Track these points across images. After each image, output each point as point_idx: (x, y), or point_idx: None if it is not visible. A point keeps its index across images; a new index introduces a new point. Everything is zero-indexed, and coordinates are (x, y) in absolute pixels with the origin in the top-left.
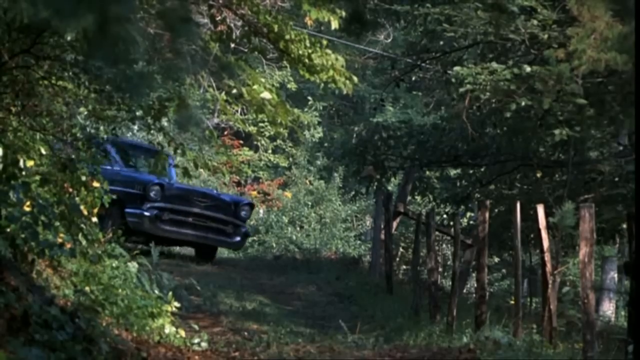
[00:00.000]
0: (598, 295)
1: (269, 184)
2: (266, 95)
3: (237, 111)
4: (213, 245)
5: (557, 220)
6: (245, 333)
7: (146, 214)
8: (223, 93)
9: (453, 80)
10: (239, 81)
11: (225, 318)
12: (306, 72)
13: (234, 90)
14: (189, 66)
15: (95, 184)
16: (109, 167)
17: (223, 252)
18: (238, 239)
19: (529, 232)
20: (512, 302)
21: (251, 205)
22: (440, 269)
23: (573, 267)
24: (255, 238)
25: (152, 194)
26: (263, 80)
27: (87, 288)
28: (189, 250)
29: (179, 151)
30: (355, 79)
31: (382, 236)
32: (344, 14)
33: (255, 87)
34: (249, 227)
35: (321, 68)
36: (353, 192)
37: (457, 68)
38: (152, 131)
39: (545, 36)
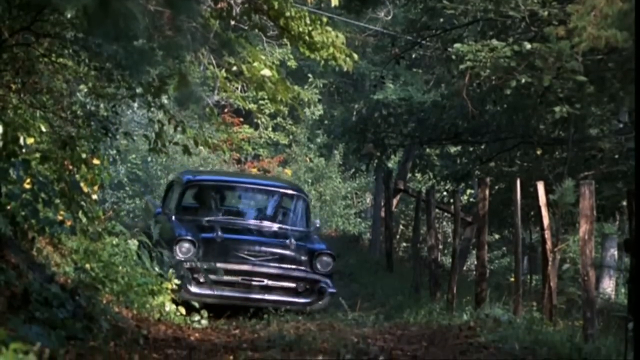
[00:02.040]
0: (598, 273)
1: (269, 162)
2: (266, 72)
3: (237, 88)
4: (276, 307)
5: (557, 197)
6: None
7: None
8: (223, 70)
9: (453, 57)
10: (239, 58)
11: None
12: (306, 49)
13: (234, 68)
14: (189, 43)
15: (96, 162)
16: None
17: None
18: (310, 299)
19: (529, 209)
20: (512, 279)
21: (331, 256)
22: (440, 247)
23: (573, 244)
24: None
25: (179, 252)
26: (263, 57)
27: (87, 265)
28: None
29: (179, 129)
30: (355, 56)
31: (382, 214)
32: None
33: (255, 64)
34: (329, 283)
35: (321, 45)
36: (353, 170)
37: (457, 45)
38: (152, 109)
39: (546, 13)
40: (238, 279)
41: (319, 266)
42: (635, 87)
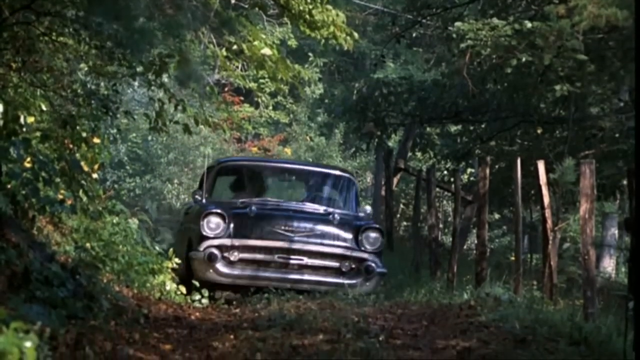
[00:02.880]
0: (598, 252)
1: (269, 140)
2: (266, 51)
3: (237, 67)
4: (317, 290)
5: (557, 176)
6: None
7: (198, 255)
8: (223, 49)
9: (454, 36)
10: (239, 37)
11: None
12: (307, 28)
13: (235, 47)
14: (189, 22)
15: (96, 140)
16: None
17: None
18: (356, 280)
19: (529, 188)
20: (513, 258)
21: (379, 231)
22: (440, 226)
23: (573, 223)
24: None
25: (206, 227)
26: (263, 36)
27: (87, 245)
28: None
29: (179, 107)
30: (355, 35)
31: (383, 193)
32: None
33: (255, 43)
34: (378, 261)
35: (322, 24)
36: (353, 149)
37: (457, 24)
38: (152, 87)
39: None
40: (274, 257)
41: (365, 243)
42: (635, 66)
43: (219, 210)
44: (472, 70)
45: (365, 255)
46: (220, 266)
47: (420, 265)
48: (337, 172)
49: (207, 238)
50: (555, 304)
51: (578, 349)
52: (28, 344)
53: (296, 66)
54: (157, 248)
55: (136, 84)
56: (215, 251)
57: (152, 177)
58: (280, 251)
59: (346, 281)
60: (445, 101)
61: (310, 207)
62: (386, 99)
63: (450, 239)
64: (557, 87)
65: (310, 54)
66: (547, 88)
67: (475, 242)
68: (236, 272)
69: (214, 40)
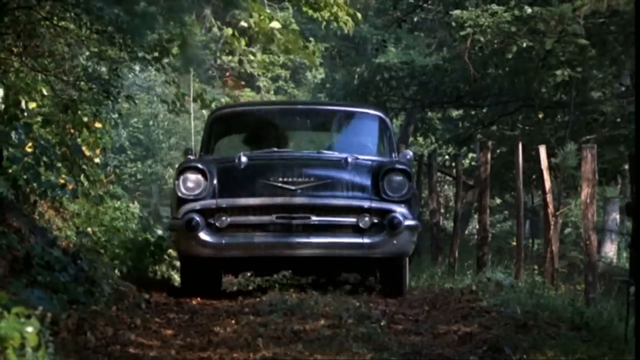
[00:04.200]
0: (600, 237)
1: None
2: (275, 24)
3: (246, 46)
4: (330, 255)
5: (559, 161)
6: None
7: (177, 223)
8: (229, 29)
9: (453, 24)
10: (246, 14)
11: None
12: (309, 8)
13: (242, 23)
14: (191, 4)
15: (97, 125)
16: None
17: None
18: (379, 238)
19: (530, 173)
20: (514, 243)
21: (404, 173)
22: (442, 211)
23: (575, 208)
24: None
25: (183, 188)
26: (269, 11)
27: (89, 229)
28: None
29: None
30: (359, 15)
31: None
32: None
33: (262, 17)
34: (406, 212)
35: (324, 4)
36: None
37: (457, 12)
38: (154, 72)
39: None
40: (272, 218)
41: (387, 189)
42: (635, 52)
43: (198, 165)
44: (474, 55)
45: (388, 205)
46: (204, 235)
47: (421, 250)
48: (364, 110)
49: (186, 201)
50: (557, 289)
51: (579, 333)
52: (29, 329)
53: (310, 44)
54: (159, 232)
55: (137, 68)
56: (197, 217)
57: (153, 162)
58: (280, 209)
59: (366, 240)
60: (446, 86)
61: (328, 155)
62: (387, 84)
63: (452, 224)
64: (559, 72)
65: (311, 39)
66: (549, 73)
67: (477, 227)
68: (225, 241)
69: (217, 23)
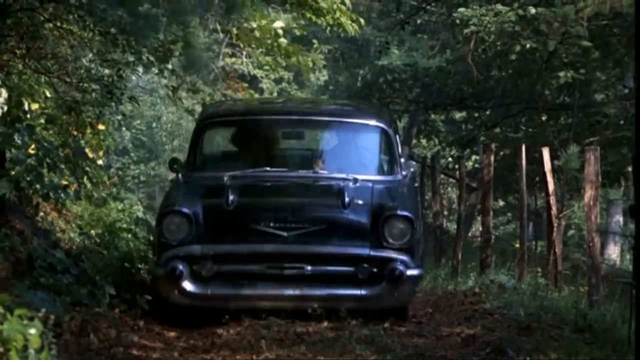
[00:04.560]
0: (603, 239)
1: None
2: (278, 24)
3: (244, 52)
4: (326, 307)
5: (562, 163)
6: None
7: (158, 271)
8: (234, 28)
9: (458, 22)
10: (248, 17)
11: None
12: (312, 14)
13: (245, 24)
14: (194, 7)
15: (101, 127)
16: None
17: None
18: (377, 290)
19: (534, 175)
20: (517, 245)
21: (407, 220)
22: (445, 213)
23: (578, 210)
24: None
25: (166, 232)
26: (272, 15)
27: (92, 231)
28: None
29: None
30: (362, 21)
31: None
32: None
33: (264, 22)
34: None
35: (327, 11)
36: None
37: (461, 10)
38: (158, 73)
39: None
40: (263, 267)
41: (388, 236)
42: (635, 54)
43: (182, 209)
44: (477, 56)
45: (389, 254)
46: (188, 285)
47: (424, 252)
48: (364, 122)
49: (169, 246)
50: (560, 291)
51: (582, 336)
52: (32, 330)
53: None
54: None
55: (141, 70)
56: (180, 265)
57: (156, 164)
58: (271, 258)
59: (365, 292)
60: (449, 88)
61: (323, 176)
62: (391, 86)
63: (455, 226)
64: (562, 74)
65: (314, 41)
66: (552, 74)
67: (480, 229)
68: (211, 291)
69: (219, 27)
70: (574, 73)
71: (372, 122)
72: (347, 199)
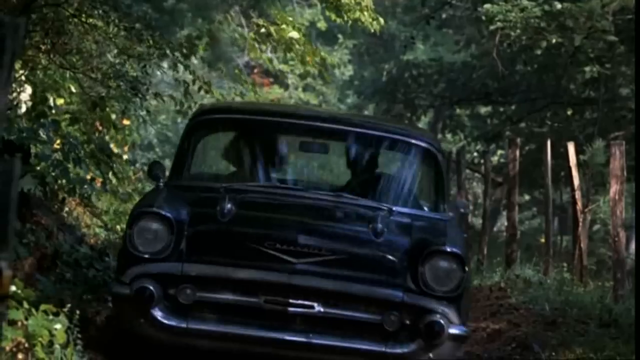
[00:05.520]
0: (629, 234)
1: None
2: (294, 34)
3: (266, 49)
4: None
5: (587, 157)
6: None
7: (122, 290)
8: (251, 32)
9: (483, 18)
10: (268, 20)
11: None
12: (333, 12)
13: (262, 30)
14: (219, 3)
15: (126, 122)
16: None
17: None
18: (408, 348)
19: (559, 170)
20: (543, 240)
21: (457, 259)
22: (470, 208)
23: (603, 205)
24: None
25: (137, 240)
26: (291, 19)
27: (117, 226)
28: None
29: (203, 90)
30: (382, 20)
31: None
32: None
33: (283, 26)
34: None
35: (348, 8)
36: None
37: (487, 6)
38: (178, 70)
39: None
40: (258, 300)
41: (429, 277)
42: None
43: (160, 211)
44: (502, 51)
45: (428, 303)
46: (160, 314)
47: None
48: (408, 139)
49: (138, 259)
50: (585, 286)
51: (608, 331)
52: (58, 326)
53: (322, 53)
54: None
55: (165, 65)
56: (151, 285)
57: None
58: (272, 290)
59: (391, 349)
60: (475, 83)
61: (348, 201)
62: (416, 81)
63: (480, 221)
64: (587, 69)
65: (339, 36)
66: (577, 69)
67: (505, 224)
68: (189, 325)
69: (243, 22)
70: (599, 68)
71: (420, 142)
72: (379, 225)
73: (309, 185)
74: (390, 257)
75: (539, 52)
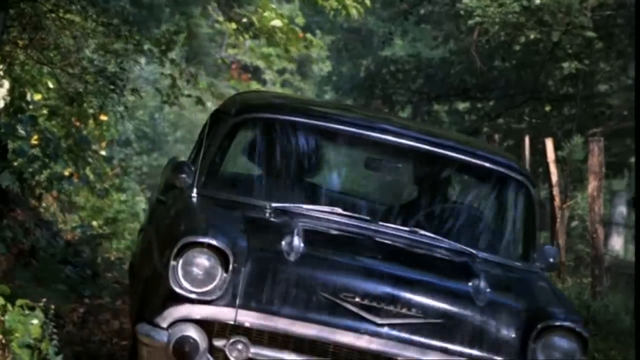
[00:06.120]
0: (607, 230)
1: None
2: (277, 22)
3: (247, 40)
4: None
5: (566, 154)
6: None
7: (157, 336)
8: (233, 23)
9: (462, 12)
10: (249, 10)
11: None
12: None
13: (244, 19)
14: None
15: (103, 118)
16: None
17: None
18: None
19: (537, 166)
20: None
21: (578, 337)
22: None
23: (582, 201)
24: None
25: (182, 276)
26: (274, 6)
27: (94, 222)
28: None
29: (190, 82)
30: (367, 1)
31: None
32: None
33: (266, 14)
34: None
35: None
36: None
37: (465, 0)
38: (164, 63)
39: None
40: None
41: (542, 358)
42: (635, 48)
43: (216, 241)
44: (480, 47)
45: None
46: None
47: None
48: (505, 170)
49: (181, 300)
50: (563, 282)
51: (586, 327)
52: (34, 321)
53: (308, 35)
54: None
55: (143, 61)
56: (195, 335)
57: (159, 155)
58: (349, 355)
59: None
60: (453, 78)
61: (424, 240)
62: (394, 77)
63: None
64: (566, 65)
65: (318, 32)
66: (556, 65)
67: None
68: None
69: (222, 17)
70: (577, 64)
71: (513, 174)
72: (481, 284)
73: (375, 210)
74: (494, 325)
75: (517, 48)
